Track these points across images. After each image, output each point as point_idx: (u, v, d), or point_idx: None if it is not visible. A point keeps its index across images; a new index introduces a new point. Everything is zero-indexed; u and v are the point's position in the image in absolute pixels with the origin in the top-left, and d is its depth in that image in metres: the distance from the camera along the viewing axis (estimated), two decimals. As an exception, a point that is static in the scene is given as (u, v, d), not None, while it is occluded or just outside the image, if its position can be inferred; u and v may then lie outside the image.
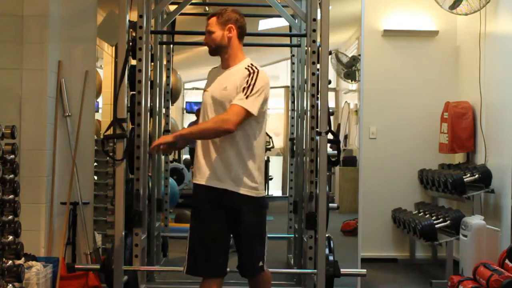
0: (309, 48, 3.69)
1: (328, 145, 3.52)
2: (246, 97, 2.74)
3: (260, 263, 2.90)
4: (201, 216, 2.83)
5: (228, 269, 2.88)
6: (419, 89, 5.66)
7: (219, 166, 2.80)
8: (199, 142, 2.87)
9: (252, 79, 2.77)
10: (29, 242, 3.46)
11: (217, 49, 2.90)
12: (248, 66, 2.84)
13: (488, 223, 4.46)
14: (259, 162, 2.86)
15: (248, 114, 2.73)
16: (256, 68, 2.83)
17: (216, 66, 3.01)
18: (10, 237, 2.93)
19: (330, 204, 3.65)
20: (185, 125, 6.22)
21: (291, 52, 4.87)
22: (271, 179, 7.12)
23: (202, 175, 2.82)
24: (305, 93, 3.98)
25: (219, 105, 2.83)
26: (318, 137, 3.54)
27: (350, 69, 5.32)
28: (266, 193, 6.71)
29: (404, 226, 5.25)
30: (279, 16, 4.40)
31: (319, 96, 3.56)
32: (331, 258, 3.52)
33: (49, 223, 4.06)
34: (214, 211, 2.81)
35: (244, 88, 2.75)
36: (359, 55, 4.67)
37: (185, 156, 6.92)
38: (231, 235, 2.89)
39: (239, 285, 3.55)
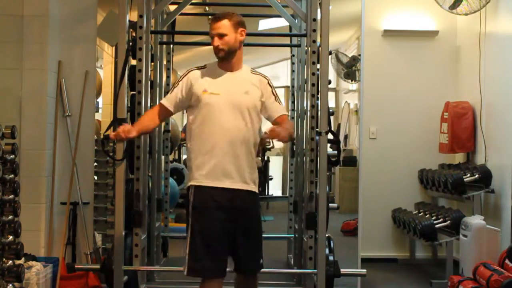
0: (309, 48, 3.69)
1: (328, 145, 3.53)
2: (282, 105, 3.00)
3: (261, 260, 2.91)
4: (204, 216, 2.80)
5: (228, 269, 2.88)
6: (419, 89, 5.65)
7: (230, 166, 2.81)
8: (204, 142, 2.83)
9: (273, 87, 2.99)
10: (29, 242, 3.45)
11: (230, 53, 2.88)
12: (255, 72, 2.99)
13: (488, 223, 4.46)
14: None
15: None
16: (264, 75, 3.00)
17: (200, 67, 2.97)
18: (10, 237, 2.93)
19: (330, 204, 3.65)
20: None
21: (291, 52, 4.87)
22: (271, 179, 7.12)
23: (209, 176, 2.81)
24: (305, 93, 3.98)
25: (238, 109, 2.84)
26: (318, 137, 3.54)
27: (350, 69, 5.33)
28: (266, 193, 6.78)
29: (404, 226, 5.25)
30: (279, 16, 4.40)
31: (319, 96, 3.56)
32: (331, 258, 3.52)
33: (49, 223, 4.06)
34: (219, 211, 2.80)
35: (276, 98, 2.96)
36: (359, 55, 4.67)
37: (185, 156, 6.92)
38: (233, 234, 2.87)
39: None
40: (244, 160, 2.84)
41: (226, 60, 2.89)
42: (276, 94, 2.96)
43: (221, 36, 2.84)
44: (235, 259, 2.88)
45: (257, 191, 2.90)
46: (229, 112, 2.83)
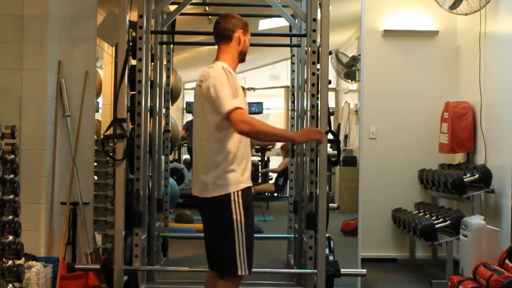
0: (309, 48, 3.69)
1: (328, 145, 3.53)
2: None
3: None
4: (252, 217, 2.88)
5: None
6: (419, 89, 5.65)
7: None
8: (243, 144, 2.87)
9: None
10: (29, 242, 3.45)
11: None
12: None
13: (488, 223, 4.46)
14: None
15: None
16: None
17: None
18: (10, 237, 2.92)
19: (330, 204, 3.65)
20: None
21: (291, 52, 4.87)
22: (271, 179, 7.13)
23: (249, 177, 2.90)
24: (305, 93, 3.98)
25: None
26: (318, 137, 3.54)
27: (350, 69, 5.33)
28: (266, 193, 6.77)
29: (404, 226, 5.25)
30: (279, 16, 4.40)
31: (319, 96, 3.57)
32: (331, 258, 3.52)
33: (49, 223, 4.06)
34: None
35: None
36: (359, 55, 4.67)
37: (185, 156, 6.93)
38: None
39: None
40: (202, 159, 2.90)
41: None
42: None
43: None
44: None
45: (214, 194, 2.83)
46: None
